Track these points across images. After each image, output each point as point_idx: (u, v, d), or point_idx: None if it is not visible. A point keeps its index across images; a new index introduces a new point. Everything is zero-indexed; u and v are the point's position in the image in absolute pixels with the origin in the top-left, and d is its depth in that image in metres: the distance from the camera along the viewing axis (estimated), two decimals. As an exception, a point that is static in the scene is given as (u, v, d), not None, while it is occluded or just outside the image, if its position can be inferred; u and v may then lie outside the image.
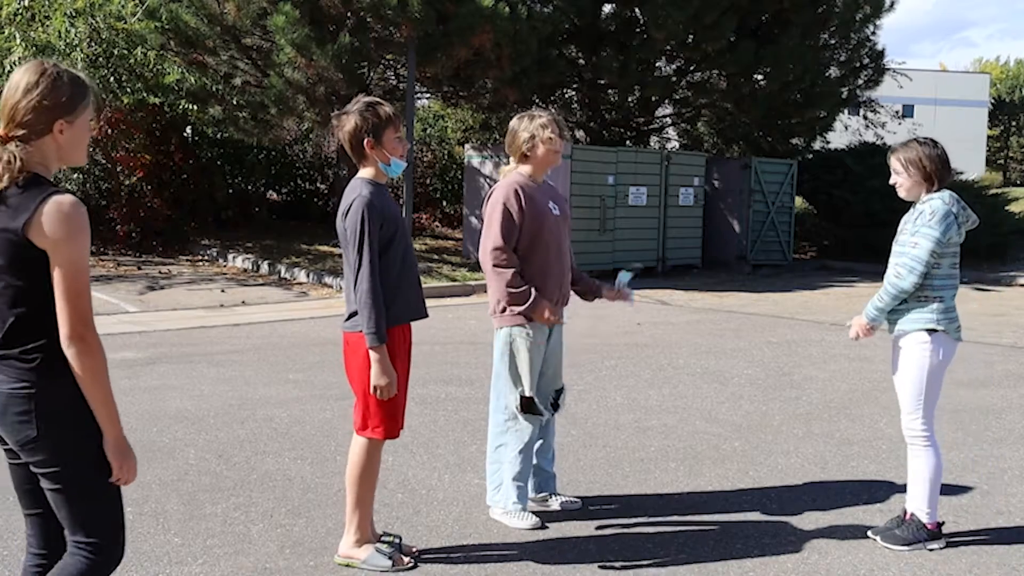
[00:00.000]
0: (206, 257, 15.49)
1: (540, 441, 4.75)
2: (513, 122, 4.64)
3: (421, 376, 7.63)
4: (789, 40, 17.47)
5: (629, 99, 19.73)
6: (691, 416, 6.77)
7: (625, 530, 4.57)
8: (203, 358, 8.51)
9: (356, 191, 3.95)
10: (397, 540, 4.16)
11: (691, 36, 17.22)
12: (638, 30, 17.78)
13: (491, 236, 4.47)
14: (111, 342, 9.22)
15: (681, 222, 17.04)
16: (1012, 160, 57.57)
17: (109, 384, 2.58)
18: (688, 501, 4.99)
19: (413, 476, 5.28)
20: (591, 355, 8.88)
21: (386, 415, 3.99)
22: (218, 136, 17.25)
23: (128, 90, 15.04)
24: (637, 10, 17.53)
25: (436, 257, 16.29)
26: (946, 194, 4.34)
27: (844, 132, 21.40)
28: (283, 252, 15.48)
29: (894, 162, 4.43)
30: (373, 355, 3.86)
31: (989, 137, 52.10)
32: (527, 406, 4.53)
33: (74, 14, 14.44)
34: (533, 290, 4.46)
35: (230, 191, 17.80)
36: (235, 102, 15.39)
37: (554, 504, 4.80)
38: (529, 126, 4.55)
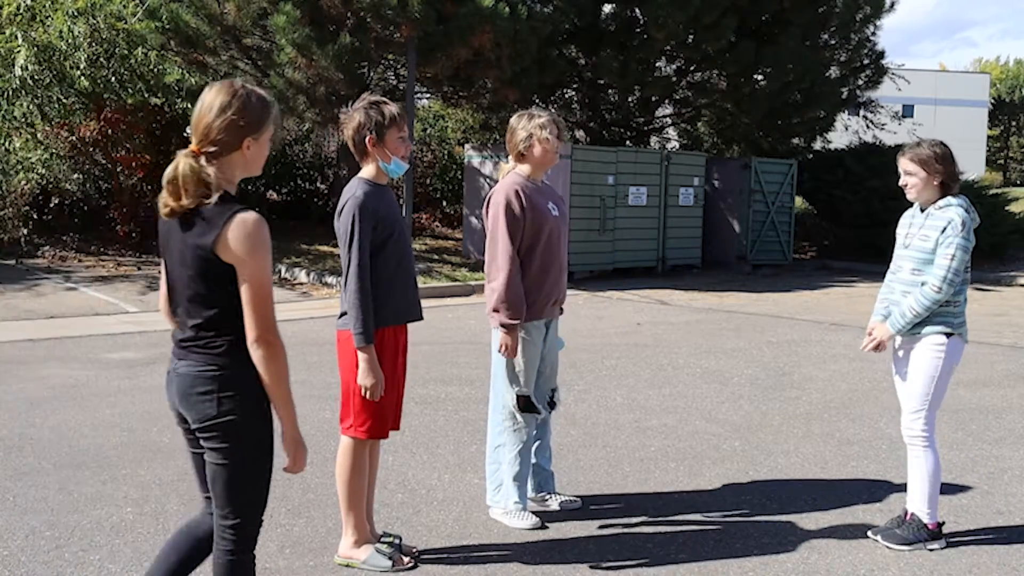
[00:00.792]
0: (206, 257, 15.46)
1: (538, 441, 4.76)
2: (513, 120, 4.64)
3: (421, 376, 7.63)
4: (789, 40, 17.47)
5: (629, 99, 19.73)
6: (691, 416, 6.77)
7: (625, 530, 4.57)
8: (203, 358, 8.50)
9: (351, 191, 3.95)
10: (397, 540, 4.16)
11: (691, 36, 17.22)
12: (638, 30, 17.78)
13: (500, 242, 4.44)
14: (111, 342, 9.23)
15: (681, 222, 17.03)
16: (1012, 160, 57.59)
17: (289, 383, 2.79)
18: (688, 501, 4.99)
19: (413, 476, 5.28)
20: (591, 355, 8.88)
21: (370, 415, 3.98)
22: (218, 136, 17.22)
23: (129, 90, 15.04)
24: (637, 10, 17.53)
25: (436, 257, 16.29)
26: (962, 200, 4.35)
27: (844, 132, 21.40)
28: (283, 252, 15.48)
29: (907, 163, 4.38)
30: (360, 355, 3.86)
31: (989, 137, 52.12)
32: (525, 405, 4.53)
33: (75, 14, 14.44)
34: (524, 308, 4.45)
35: (230, 191, 17.78)
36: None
37: (554, 504, 4.80)
38: (527, 125, 4.55)
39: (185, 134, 16.47)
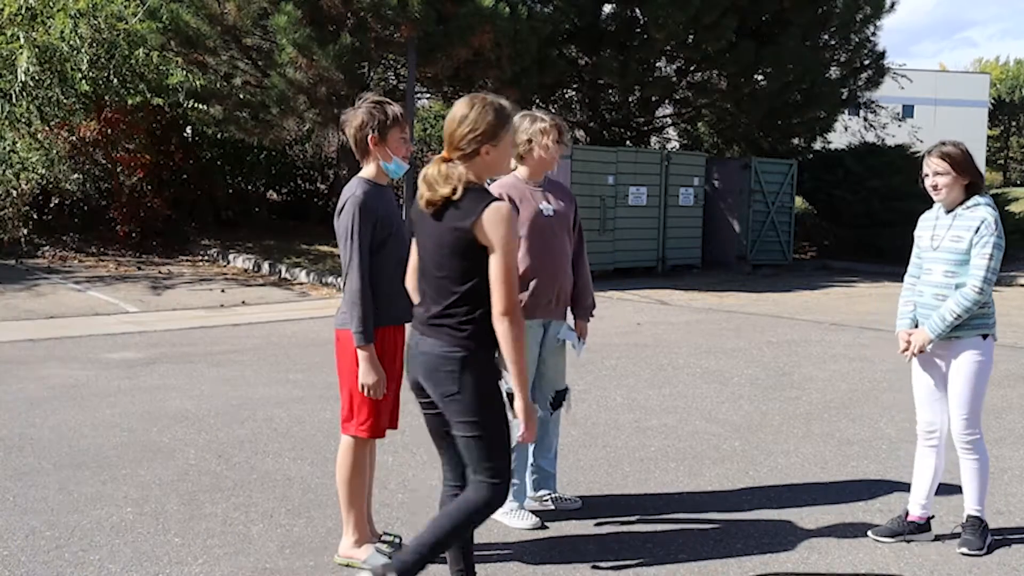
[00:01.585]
0: (206, 257, 15.49)
1: (536, 442, 4.74)
2: (515, 119, 4.64)
3: (421, 376, 7.62)
4: (789, 40, 17.47)
5: (629, 99, 19.74)
6: (691, 416, 6.77)
7: (625, 530, 4.57)
8: (203, 358, 8.52)
9: (351, 190, 3.95)
10: (397, 540, 4.17)
11: (691, 36, 17.22)
12: (638, 30, 17.78)
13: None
14: (111, 342, 9.23)
15: (681, 222, 17.03)
16: (1012, 160, 57.61)
17: (524, 354, 3.17)
18: (688, 501, 4.99)
19: (413, 476, 5.28)
20: (591, 355, 8.88)
21: (370, 414, 3.98)
22: (218, 136, 17.25)
23: (131, 91, 15.04)
24: (637, 10, 17.53)
25: (436, 257, 16.27)
26: (989, 199, 4.36)
27: (844, 132, 21.40)
28: (283, 252, 15.48)
29: (937, 163, 4.30)
30: (361, 354, 3.86)
31: (989, 137, 52.09)
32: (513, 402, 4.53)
33: (77, 15, 14.43)
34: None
35: (230, 191, 17.80)
36: (240, 96, 15.36)
37: (554, 504, 4.80)
38: (529, 128, 4.54)
39: (185, 134, 16.51)
